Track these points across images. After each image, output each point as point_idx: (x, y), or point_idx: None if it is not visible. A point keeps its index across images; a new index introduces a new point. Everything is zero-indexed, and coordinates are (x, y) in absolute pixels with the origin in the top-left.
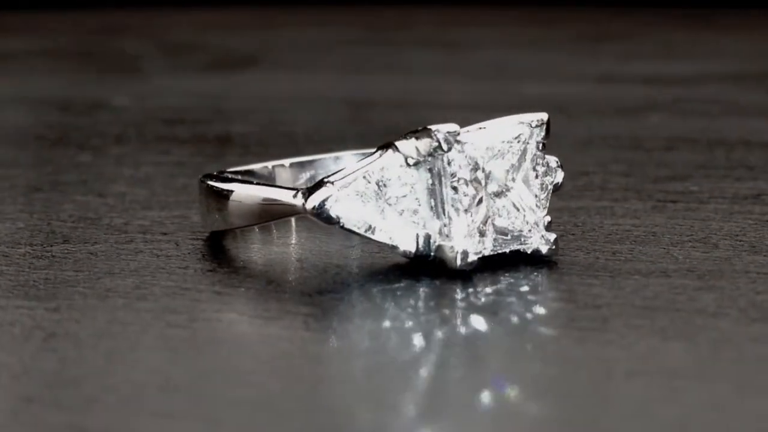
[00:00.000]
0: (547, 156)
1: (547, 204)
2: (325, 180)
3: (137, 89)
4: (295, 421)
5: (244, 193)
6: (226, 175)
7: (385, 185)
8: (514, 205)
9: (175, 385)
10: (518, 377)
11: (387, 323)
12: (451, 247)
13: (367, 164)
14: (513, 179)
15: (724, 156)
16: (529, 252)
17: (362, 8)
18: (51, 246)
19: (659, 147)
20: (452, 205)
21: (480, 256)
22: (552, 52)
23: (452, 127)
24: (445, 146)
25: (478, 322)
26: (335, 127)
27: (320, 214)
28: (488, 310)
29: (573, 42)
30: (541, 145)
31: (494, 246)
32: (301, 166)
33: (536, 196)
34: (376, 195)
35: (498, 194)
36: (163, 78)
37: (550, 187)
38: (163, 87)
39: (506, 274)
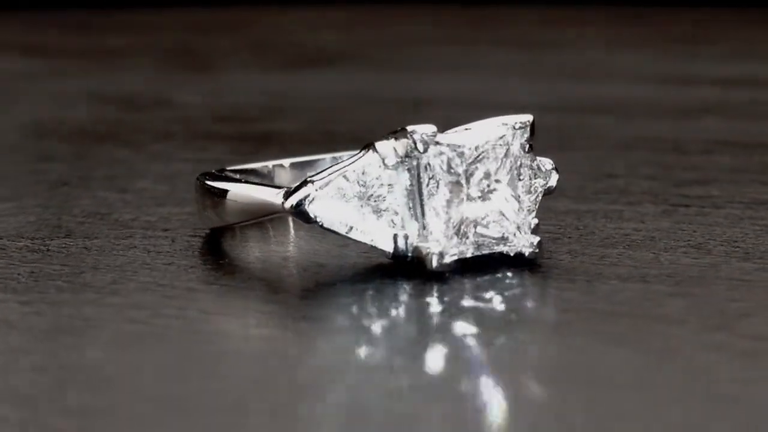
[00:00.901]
0: (539, 158)
1: (536, 207)
2: (307, 179)
3: (210, 86)
4: (231, 417)
5: (232, 191)
6: (225, 174)
7: (365, 185)
8: (497, 208)
9: (108, 378)
10: (463, 381)
11: (346, 324)
12: (428, 248)
13: (348, 164)
14: (496, 181)
15: (758, 160)
16: (512, 254)
17: (453, 6)
18: (51, 240)
19: (697, 150)
20: (430, 207)
21: (458, 258)
22: (640, 53)
23: (429, 128)
24: (421, 147)
25: (438, 324)
26: (389, 126)
27: (299, 212)
28: (452, 313)
29: (665, 42)
30: (527, 147)
31: (475, 248)
32: (301, 166)
33: (519, 198)
34: (356, 195)
35: (480, 196)
36: (239, 75)
37: (541, 189)
38: (236, 84)
39: (483, 277)
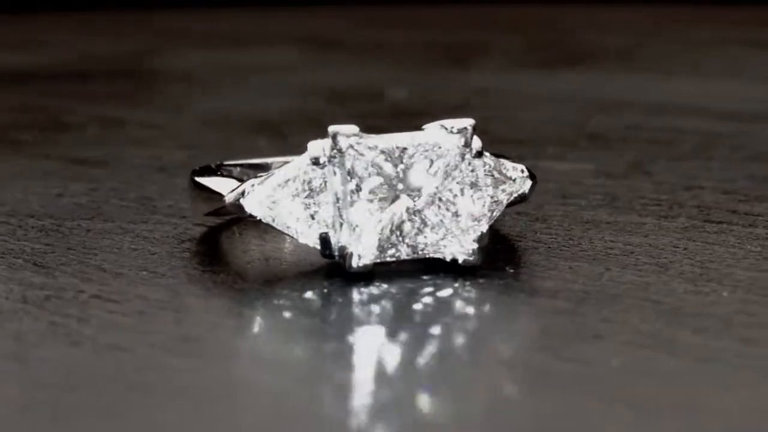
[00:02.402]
0: (510, 164)
1: (488, 213)
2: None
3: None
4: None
5: (206, 185)
6: (219, 167)
7: (300, 184)
8: (430, 212)
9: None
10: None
11: (245, 321)
12: (350, 249)
13: (288, 163)
14: (436, 185)
15: None
16: (448, 260)
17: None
18: (71, 221)
19: None
20: (354, 207)
21: (384, 260)
22: None
23: (350, 128)
24: (342, 147)
25: (338, 328)
26: (563, 129)
27: (236, 207)
28: (352, 317)
29: None
30: (474, 152)
31: (408, 252)
32: None
33: (456, 203)
34: (292, 193)
35: (414, 199)
36: (488, 73)
37: (507, 197)
38: (465, 82)
39: (409, 282)
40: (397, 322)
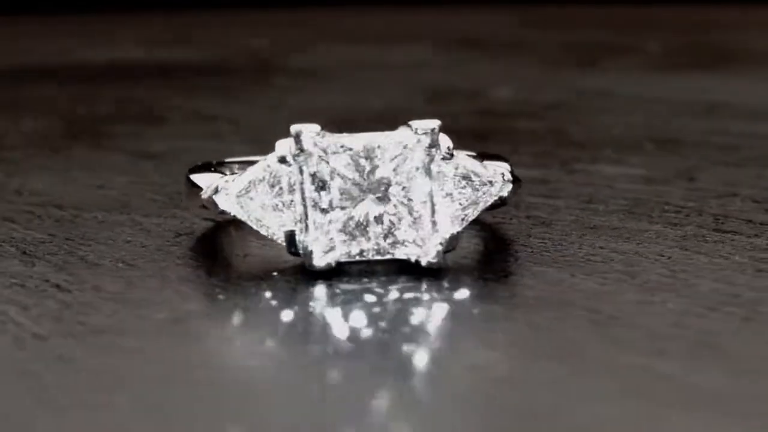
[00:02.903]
0: (492, 167)
1: (459, 215)
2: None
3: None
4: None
5: (196, 181)
6: (221, 166)
7: (267, 182)
8: (398, 213)
9: None
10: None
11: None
12: (312, 247)
13: (260, 161)
14: (402, 186)
15: None
16: (413, 261)
17: None
18: (89, 212)
19: None
20: (317, 206)
21: (345, 259)
22: None
23: (312, 127)
24: (305, 146)
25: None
26: (636, 133)
27: (209, 202)
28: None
29: None
30: (442, 154)
31: (371, 251)
32: None
33: (419, 204)
34: (264, 191)
35: (379, 200)
36: (607, 75)
37: (484, 200)
38: (576, 83)
39: (368, 281)
40: (353, 323)
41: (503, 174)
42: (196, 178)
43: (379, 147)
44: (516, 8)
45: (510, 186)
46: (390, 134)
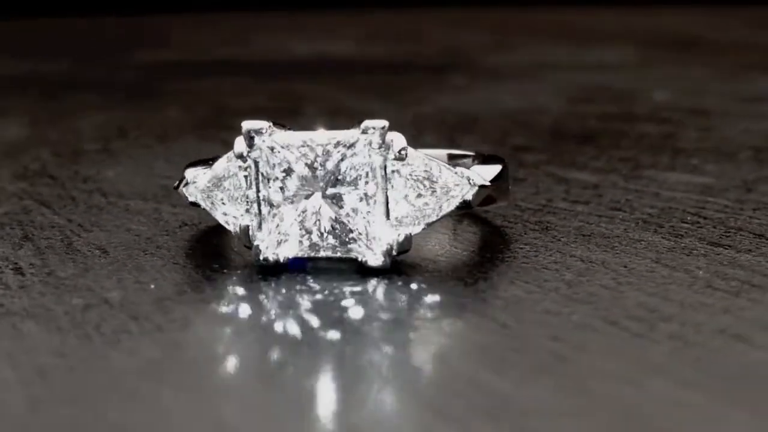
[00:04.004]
0: (458, 169)
1: (414, 216)
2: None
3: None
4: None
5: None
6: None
7: (227, 177)
8: (345, 211)
9: None
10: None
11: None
12: (257, 242)
13: (223, 156)
14: (349, 185)
15: None
16: (361, 260)
17: None
18: (123, 200)
19: None
20: (264, 202)
21: (289, 256)
22: None
23: (262, 124)
24: (255, 143)
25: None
26: (734, 140)
27: (183, 196)
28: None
29: None
30: (395, 153)
31: (316, 248)
32: None
33: (366, 204)
34: (223, 186)
35: (328, 196)
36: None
37: (434, 201)
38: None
39: (312, 279)
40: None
41: (469, 178)
42: (188, 172)
43: (328, 144)
44: (740, 9)
45: (472, 189)
46: (340, 133)
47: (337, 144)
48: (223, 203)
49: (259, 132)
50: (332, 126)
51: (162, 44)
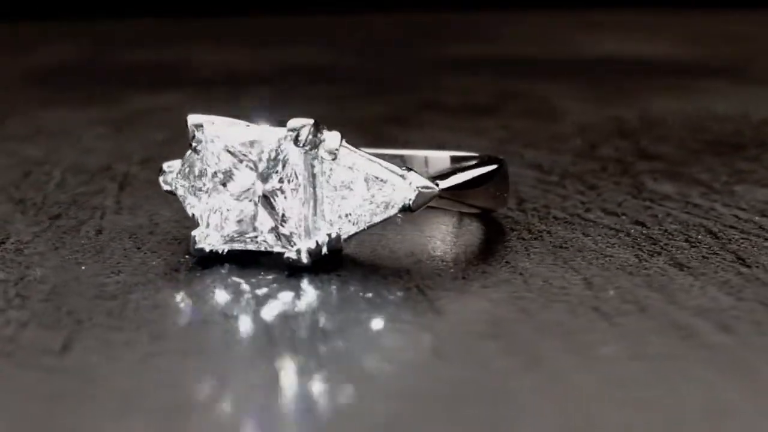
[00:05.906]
0: (402, 172)
1: (348, 216)
2: None
3: None
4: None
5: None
6: None
7: (187, 168)
8: (272, 207)
9: None
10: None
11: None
12: (192, 232)
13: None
14: (276, 181)
15: None
16: (284, 257)
17: None
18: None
19: None
20: (201, 194)
21: (218, 248)
22: None
23: (205, 118)
24: (196, 136)
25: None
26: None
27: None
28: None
29: None
30: (326, 152)
31: (248, 240)
32: None
33: (290, 203)
34: (186, 177)
35: (262, 192)
36: None
37: (370, 203)
38: None
39: (240, 272)
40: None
41: (411, 182)
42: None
43: (264, 141)
44: None
45: (412, 193)
46: (273, 130)
47: (272, 141)
48: (184, 192)
49: (199, 126)
50: None
51: None
